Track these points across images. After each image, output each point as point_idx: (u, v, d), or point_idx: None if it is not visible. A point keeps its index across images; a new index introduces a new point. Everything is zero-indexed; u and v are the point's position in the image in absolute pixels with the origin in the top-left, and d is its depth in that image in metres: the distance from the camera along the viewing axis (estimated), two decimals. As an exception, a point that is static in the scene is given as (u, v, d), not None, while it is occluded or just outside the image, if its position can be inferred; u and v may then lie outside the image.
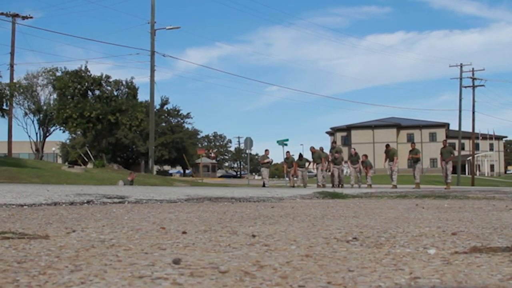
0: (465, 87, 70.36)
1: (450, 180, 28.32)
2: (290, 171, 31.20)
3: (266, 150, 30.36)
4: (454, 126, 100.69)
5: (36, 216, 4.57)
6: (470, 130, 71.95)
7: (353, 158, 29.88)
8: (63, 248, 2.68)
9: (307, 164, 31.55)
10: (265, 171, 29.66)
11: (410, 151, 28.93)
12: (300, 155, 32.04)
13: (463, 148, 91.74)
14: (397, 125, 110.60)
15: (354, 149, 31.71)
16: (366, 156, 30.98)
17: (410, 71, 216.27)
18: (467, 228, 3.99)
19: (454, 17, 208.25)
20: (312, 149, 30.64)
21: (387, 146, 29.29)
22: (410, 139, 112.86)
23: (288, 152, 31.31)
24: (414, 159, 29.20)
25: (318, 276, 2.05)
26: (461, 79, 69.77)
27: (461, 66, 69.50)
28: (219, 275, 2.03)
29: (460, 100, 68.58)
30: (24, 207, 5.73)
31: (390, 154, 28.84)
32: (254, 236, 3.29)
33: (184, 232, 3.43)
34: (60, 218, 4.45)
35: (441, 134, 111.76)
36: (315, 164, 30.24)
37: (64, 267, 2.15)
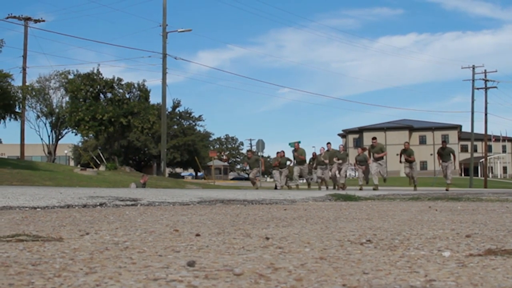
0: (478, 88, 70.16)
1: (450, 181, 27.47)
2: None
3: (278, 152, 30.24)
4: (466, 128, 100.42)
5: (49, 219, 4.58)
6: (483, 132, 71.71)
7: (360, 158, 28.87)
8: (77, 250, 2.68)
9: (288, 162, 30.15)
10: (276, 173, 29.53)
11: (403, 150, 27.40)
12: (283, 154, 30.86)
13: (475, 150, 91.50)
14: (409, 127, 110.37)
15: (361, 148, 30.62)
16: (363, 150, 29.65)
17: (422, 73, 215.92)
18: (481, 230, 3.97)
19: (466, 18, 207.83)
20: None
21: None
22: (422, 141, 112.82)
23: (282, 151, 30.74)
24: (410, 161, 27.47)
25: (333, 278, 2.04)
26: (473, 80, 69.56)
27: (473, 68, 69.30)
28: (234, 277, 2.03)
29: (473, 101, 68.40)
30: (37, 209, 5.74)
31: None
32: (267, 238, 3.28)
33: (197, 235, 3.43)
34: (74, 220, 4.46)
35: (453, 136, 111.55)
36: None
37: (78, 269, 2.15)
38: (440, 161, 27.78)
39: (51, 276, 2.01)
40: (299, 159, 28.73)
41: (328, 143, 30.07)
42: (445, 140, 29.03)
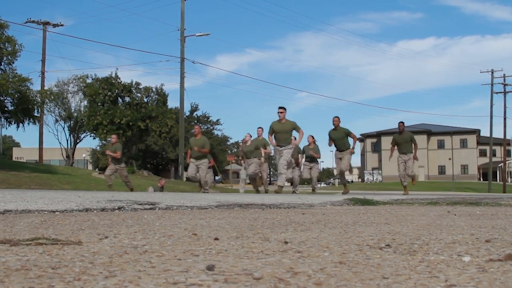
0: (496, 93, 69.90)
1: (405, 183, 20.51)
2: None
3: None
4: (485, 132, 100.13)
5: (68, 222, 4.60)
6: (501, 137, 71.38)
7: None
8: (96, 254, 2.69)
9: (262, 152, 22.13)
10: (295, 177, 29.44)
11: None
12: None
13: (494, 155, 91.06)
14: (428, 132, 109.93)
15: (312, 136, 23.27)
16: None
17: (441, 77, 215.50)
18: (500, 235, 3.95)
19: (486, 22, 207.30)
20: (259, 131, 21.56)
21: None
22: (441, 145, 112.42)
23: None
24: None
25: (352, 283, 2.04)
26: (492, 85, 69.31)
27: (492, 72, 69.02)
28: (253, 281, 2.02)
29: (491, 106, 68.13)
30: (56, 213, 5.77)
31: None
32: (286, 242, 3.28)
33: (216, 239, 3.43)
34: (92, 224, 4.47)
35: (472, 140, 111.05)
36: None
37: (98, 273, 2.16)
38: (398, 153, 20.48)
39: (71, 280, 2.01)
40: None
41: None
42: (403, 121, 20.10)
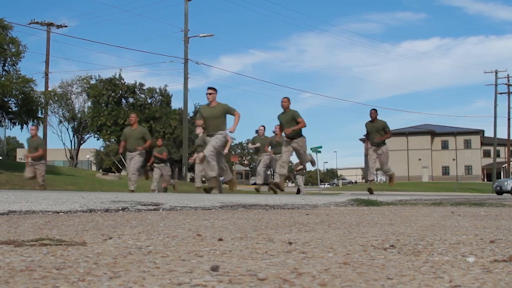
0: (500, 93, 69.87)
1: (373, 178, 19.09)
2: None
3: None
4: (489, 133, 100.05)
5: (72, 223, 4.60)
6: (506, 137, 71.30)
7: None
8: (100, 254, 2.69)
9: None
10: (299, 178, 29.36)
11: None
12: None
13: (498, 155, 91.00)
14: (432, 132, 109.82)
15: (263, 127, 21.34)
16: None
17: (445, 78, 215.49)
18: (505, 236, 3.94)
19: (490, 23, 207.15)
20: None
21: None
22: (445, 146, 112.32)
23: None
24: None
25: (357, 283, 2.04)
26: (496, 85, 69.25)
27: (496, 73, 68.95)
28: (258, 282, 2.02)
29: (495, 106, 68.10)
30: (60, 214, 5.77)
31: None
32: (290, 243, 3.28)
33: (220, 239, 3.43)
34: (96, 225, 4.48)
35: (476, 141, 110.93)
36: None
37: (102, 273, 2.16)
38: (369, 145, 18.58)
39: (75, 281, 2.01)
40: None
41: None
42: (375, 109, 18.29)
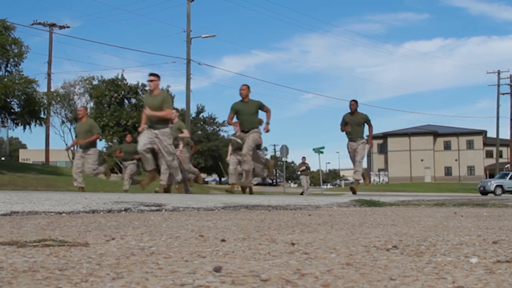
0: (503, 94, 69.85)
1: (359, 175, 16.78)
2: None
3: (303, 157, 30.07)
4: (491, 134, 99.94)
5: (75, 224, 4.60)
6: (508, 138, 71.24)
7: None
8: (103, 255, 2.69)
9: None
10: (303, 179, 29.36)
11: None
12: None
13: (500, 156, 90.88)
14: (434, 133, 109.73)
15: None
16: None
17: (447, 78, 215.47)
18: (508, 236, 3.94)
19: (492, 23, 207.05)
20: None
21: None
22: (447, 146, 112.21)
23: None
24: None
25: (360, 284, 2.03)
26: (498, 85, 69.25)
27: (498, 73, 68.94)
28: (261, 283, 2.02)
29: (498, 107, 68.07)
30: (63, 214, 5.78)
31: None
32: (293, 244, 3.28)
33: (223, 240, 3.43)
34: (99, 225, 4.48)
35: (478, 141, 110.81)
36: None
37: (105, 274, 2.16)
38: (348, 138, 16.67)
39: (78, 281, 2.02)
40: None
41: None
42: (356, 100, 16.57)
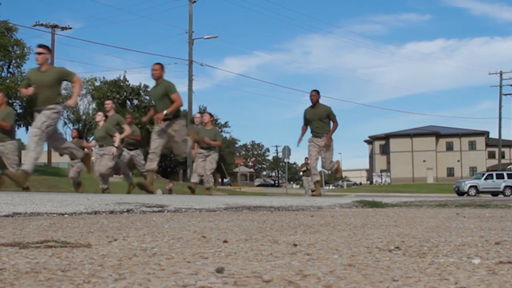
0: (505, 94, 69.84)
1: (317, 177, 15.26)
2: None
3: (306, 158, 30.04)
4: (494, 134, 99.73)
5: (77, 225, 4.60)
6: (511, 138, 71.28)
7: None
8: (105, 256, 2.69)
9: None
10: (305, 180, 29.31)
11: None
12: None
13: (503, 157, 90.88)
14: (436, 134, 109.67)
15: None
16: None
17: (450, 79, 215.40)
18: (510, 237, 3.94)
19: (494, 24, 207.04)
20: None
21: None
22: (449, 147, 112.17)
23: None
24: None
25: (362, 285, 2.03)
26: (501, 86, 69.20)
27: (500, 74, 68.90)
28: (263, 284, 2.02)
29: (500, 108, 68.06)
30: (65, 215, 5.77)
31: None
32: (295, 245, 3.28)
33: (225, 241, 3.43)
34: (101, 226, 4.48)
35: (481, 142, 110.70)
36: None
37: (108, 275, 2.16)
38: (311, 134, 15.05)
39: (80, 282, 2.02)
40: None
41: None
42: (317, 90, 14.75)
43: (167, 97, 12.61)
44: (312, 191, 16.40)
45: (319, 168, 15.65)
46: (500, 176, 51.59)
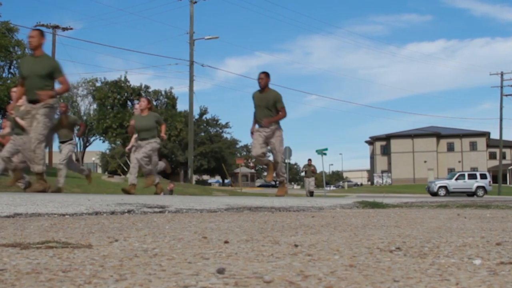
0: (506, 95, 69.75)
1: (281, 176, 14.35)
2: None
3: (309, 160, 30.08)
4: (495, 135, 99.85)
5: (78, 226, 4.60)
6: (511, 139, 71.20)
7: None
8: (106, 257, 2.69)
9: None
10: (307, 181, 29.34)
11: None
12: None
13: (504, 157, 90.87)
14: (437, 134, 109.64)
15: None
16: None
17: (451, 80, 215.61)
18: (511, 238, 3.93)
19: (495, 24, 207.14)
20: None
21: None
22: (450, 148, 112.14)
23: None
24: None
25: (363, 286, 2.03)
26: (502, 87, 69.12)
27: (501, 75, 68.83)
28: (264, 285, 2.02)
29: (501, 108, 68.01)
30: (66, 216, 5.77)
31: None
32: (296, 245, 3.28)
33: (226, 242, 3.43)
34: (102, 227, 4.48)
35: (482, 143, 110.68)
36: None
37: (109, 276, 2.16)
38: (255, 128, 13.72)
39: (81, 283, 2.02)
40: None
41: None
42: (266, 72, 13.41)
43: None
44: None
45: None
46: (472, 177, 51.49)
